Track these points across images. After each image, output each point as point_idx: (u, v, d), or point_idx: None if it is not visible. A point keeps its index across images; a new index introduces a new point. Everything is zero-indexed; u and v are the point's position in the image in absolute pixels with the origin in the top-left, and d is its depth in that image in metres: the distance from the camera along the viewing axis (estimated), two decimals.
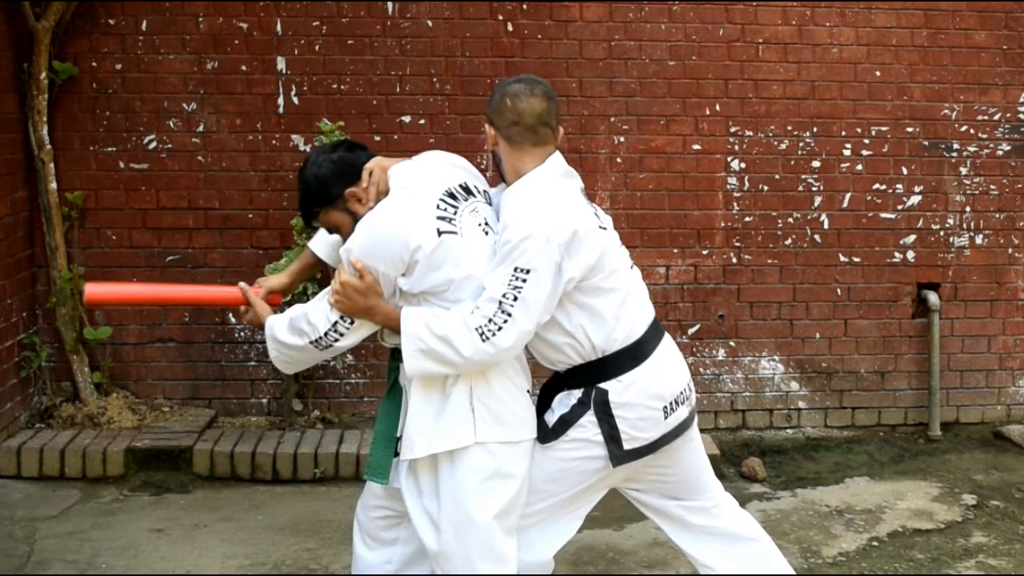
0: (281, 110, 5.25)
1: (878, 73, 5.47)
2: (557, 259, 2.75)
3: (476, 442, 2.81)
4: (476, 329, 2.70)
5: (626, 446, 2.89)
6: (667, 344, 3.02)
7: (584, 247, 2.81)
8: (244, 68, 5.22)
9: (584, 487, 2.97)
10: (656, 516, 3.16)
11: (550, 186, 2.91)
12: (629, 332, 2.91)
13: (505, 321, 2.71)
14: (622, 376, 2.90)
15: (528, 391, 2.98)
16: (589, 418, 2.89)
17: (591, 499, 3.05)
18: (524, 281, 2.71)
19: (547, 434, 2.94)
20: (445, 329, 2.71)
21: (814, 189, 5.50)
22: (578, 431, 2.90)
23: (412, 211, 2.81)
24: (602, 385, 2.89)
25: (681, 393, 2.96)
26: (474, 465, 2.81)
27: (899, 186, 5.54)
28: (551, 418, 2.96)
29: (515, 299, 2.71)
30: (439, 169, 3.01)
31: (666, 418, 2.92)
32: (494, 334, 2.71)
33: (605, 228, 2.95)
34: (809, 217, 5.51)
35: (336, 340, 2.89)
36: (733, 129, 5.43)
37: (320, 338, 2.88)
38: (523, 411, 2.91)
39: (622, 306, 2.90)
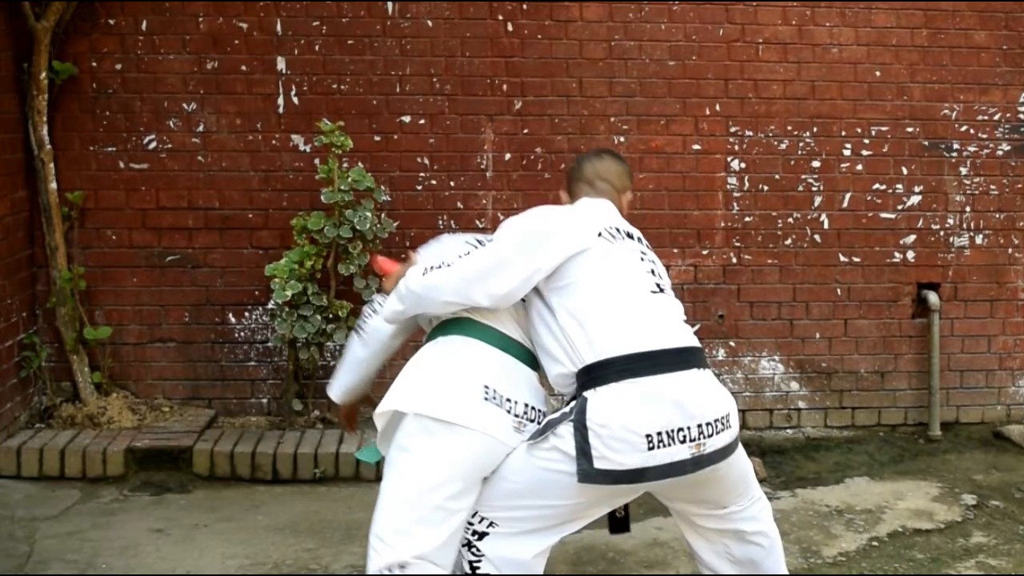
0: (281, 110, 5.25)
1: (878, 73, 5.47)
2: (518, 240, 2.95)
3: (411, 412, 2.90)
4: (426, 269, 3.03)
5: (597, 464, 2.76)
6: (684, 377, 2.84)
7: (558, 242, 2.94)
8: (244, 68, 5.22)
9: (564, 504, 2.89)
10: (669, 507, 3.17)
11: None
12: (619, 344, 2.84)
13: (448, 267, 2.99)
14: (601, 387, 2.81)
15: (490, 391, 2.93)
16: (567, 427, 2.83)
17: (580, 517, 2.97)
18: (478, 247, 3.08)
19: (533, 435, 2.92)
20: (409, 272, 3.08)
21: (814, 189, 5.50)
22: (556, 440, 2.84)
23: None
24: (585, 393, 2.83)
25: (680, 431, 2.77)
26: (399, 439, 2.93)
27: (899, 186, 5.54)
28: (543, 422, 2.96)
29: (464, 255, 3.01)
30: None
31: (650, 449, 2.75)
32: (434, 271, 3.00)
33: (612, 239, 2.98)
34: (809, 217, 5.51)
35: (369, 316, 3.24)
36: (733, 129, 5.43)
37: (361, 320, 3.21)
38: (466, 397, 2.91)
39: (609, 317, 2.88)
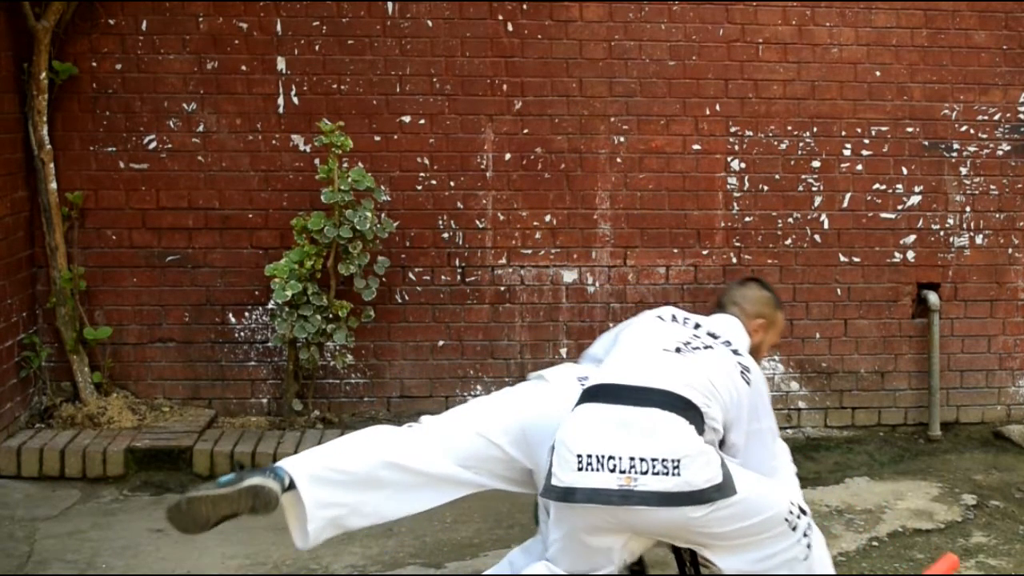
0: (281, 110, 5.25)
1: (878, 73, 5.47)
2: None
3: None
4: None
5: (551, 480, 2.87)
6: (635, 411, 2.87)
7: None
8: (244, 68, 5.22)
9: (565, 535, 2.97)
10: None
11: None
12: (602, 376, 3.03)
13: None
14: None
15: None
16: None
17: (593, 547, 3.00)
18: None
19: None
20: None
21: (814, 189, 5.50)
22: None
23: None
24: None
25: (611, 459, 2.80)
26: None
27: (899, 186, 5.54)
28: None
29: None
30: None
31: (579, 469, 2.81)
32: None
33: (666, 320, 3.25)
34: (809, 217, 5.51)
35: None
36: (733, 129, 5.43)
37: None
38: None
39: (612, 360, 3.12)
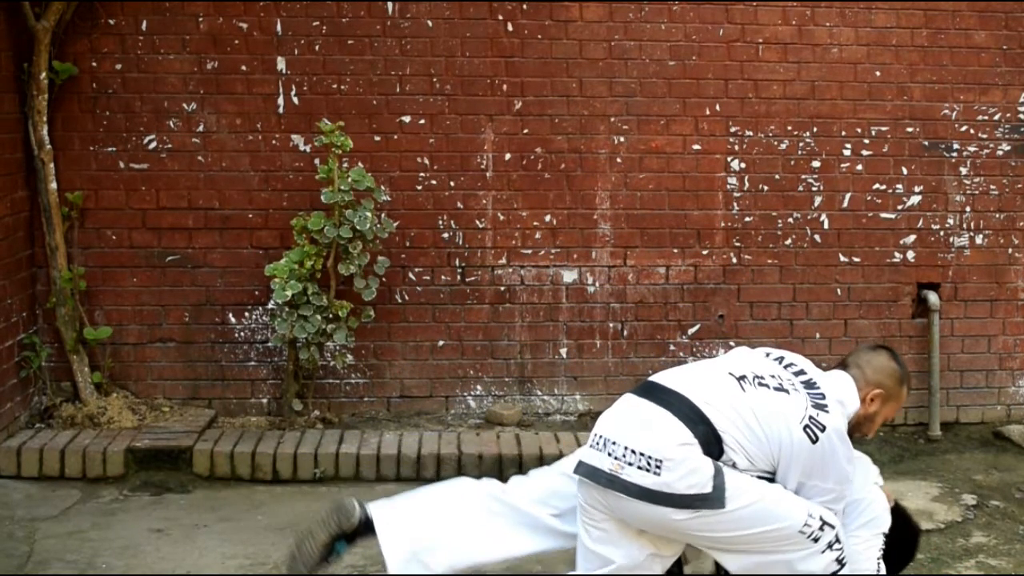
0: (281, 110, 5.25)
1: (878, 73, 5.47)
2: None
3: None
4: None
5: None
6: (645, 405, 3.01)
7: None
8: (244, 68, 5.22)
9: (616, 530, 3.05)
10: None
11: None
12: (653, 376, 3.18)
13: None
14: None
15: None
16: None
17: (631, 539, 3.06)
18: None
19: None
20: None
21: (814, 189, 5.50)
22: None
23: None
24: None
25: (614, 443, 2.95)
26: None
27: (899, 186, 5.54)
28: None
29: None
30: None
31: (591, 447, 3.03)
32: None
33: (770, 357, 3.24)
34: (809, 217, 5.51)
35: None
36: (733, 129, 5.43)
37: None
38: None
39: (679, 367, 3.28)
